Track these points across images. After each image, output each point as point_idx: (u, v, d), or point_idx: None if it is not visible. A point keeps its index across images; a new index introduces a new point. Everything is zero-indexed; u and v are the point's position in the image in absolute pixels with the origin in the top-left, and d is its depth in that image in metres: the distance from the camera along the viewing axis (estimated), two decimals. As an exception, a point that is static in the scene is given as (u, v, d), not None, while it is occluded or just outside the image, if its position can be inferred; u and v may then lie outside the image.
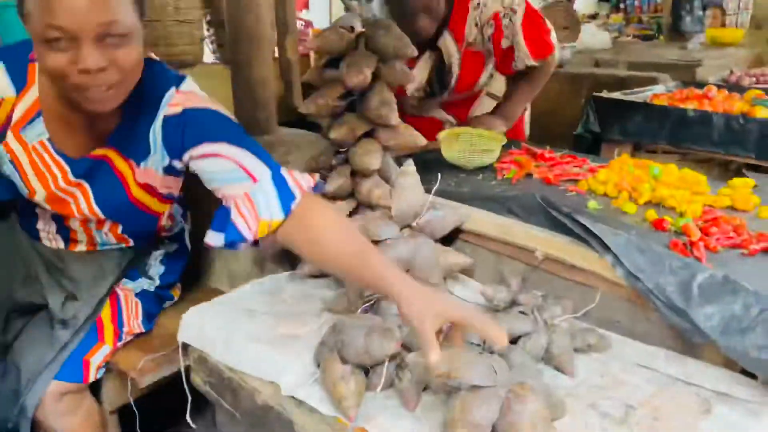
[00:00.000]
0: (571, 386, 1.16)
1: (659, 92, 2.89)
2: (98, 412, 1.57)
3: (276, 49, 3.04)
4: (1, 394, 1.44)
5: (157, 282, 1.70)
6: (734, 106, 2.51)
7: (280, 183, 1.23)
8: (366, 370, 1.15)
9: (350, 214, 1.53)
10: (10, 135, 1.32)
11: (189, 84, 1.34)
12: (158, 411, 1.68)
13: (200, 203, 1.83)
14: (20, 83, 1.29)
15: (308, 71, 1.60)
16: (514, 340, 1.24)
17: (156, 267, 1.70)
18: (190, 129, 1.29)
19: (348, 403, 1.06)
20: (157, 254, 1.71)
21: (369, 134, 1.54)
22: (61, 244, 1.55)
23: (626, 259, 1.22)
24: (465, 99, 2.37)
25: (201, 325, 1.39)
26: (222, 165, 1.25)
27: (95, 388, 1.58)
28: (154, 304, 1.69)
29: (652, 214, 1.56)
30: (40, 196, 1.38)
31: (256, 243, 1.26)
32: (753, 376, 1.11)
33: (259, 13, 1.58)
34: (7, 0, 2.30)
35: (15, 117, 1.30)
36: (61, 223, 1.50)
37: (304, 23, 4.78)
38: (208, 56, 4.15)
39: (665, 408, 1.09)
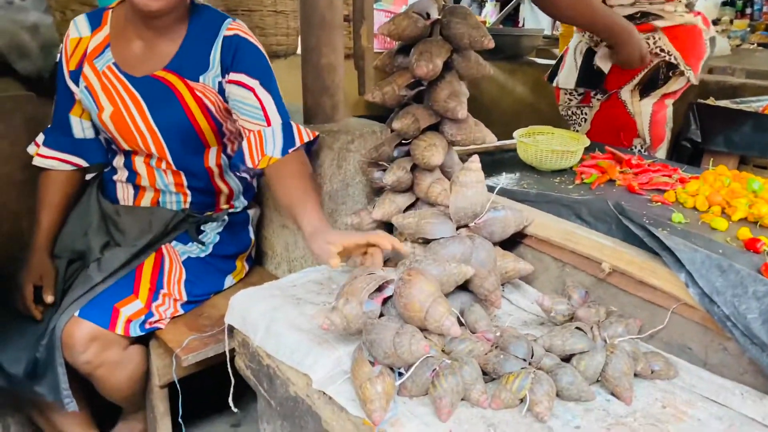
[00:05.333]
0: (625, 414, 1.04)
1: (775, 102, 2.62)
2: (138, 378, 1.60)
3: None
4: (37, 330, 1.51)
5: (210, 250, 1.73)
6: None
7: (287, 131, 1.55)
8: (401, 373, 1.09)
9: (408, 208, 1.47)
10: (86, 66, 1.61)
11: (239, 21, 1.61)
12: (209, 390, 1.70)
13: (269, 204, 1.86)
14: (95, 24, 1.61)
15: (380, 57, 1.55)
16: (566, 359, 1.14)
17: (211, 236, 1.75)
18: (239, 54, 1.55)
19: (374, 406, 1.00)
20: (215, 225, 1.76)
21: (435, 127, 1.47)
22: (131, 194, 1.71)
23: (702, 279, 1.08)
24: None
25: (247, 309, 1.37)
26: (249, 99, 1.54)
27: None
28: (203, 273, 1.70)
29: (745, 232, 1.39)
30: (107, 113, 1.59)
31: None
32: None
33: (333, -3, 1.55)
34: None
35: (90, 48, 1.61)
36: (130, 166, 1.68)
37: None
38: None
39: (733, 452, 0.95)
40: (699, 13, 2.21)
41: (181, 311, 1.63)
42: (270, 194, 1.83)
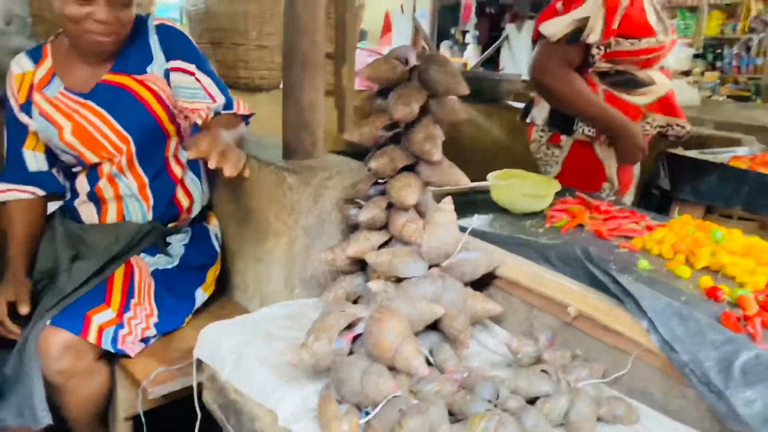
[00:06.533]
0: (587, 459, 1.06)
1: (741, 154, 2.71)
2: (101, 396, 1.60)
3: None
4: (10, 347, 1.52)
5: (177, 262, 1.77)
6: (823, 175, 2.31)
7: (228, 107, 1.72)
8: (368, 413, 1.09)
9: (382, 246, 1.49)
10: (36, 95, 1.68)
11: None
12: (173, 423, 1.68)
13: (229, 224, 1.89)
14: (36, 58, 1.71)
15: (360, 98, 1.59)
16: (531, 401, 1.16)
17: (177, 247, 1.80)
18: (172, 41, 1.70)
19: (339, 444, 1.01)
20: (180, 237, 1.82)
21: (411, 168, 1.51)
22: (94, 212, 1.75)
23: (662, 326, 1.11)
24: None
25: (217, 343, 1.37)
26: (191, 83, 1.68)
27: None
28: (172, 283, 1.72)
29: (707, 280, 1.43)
30: (67, 130, 1.65)
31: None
32: (799, 477, 0.98)
33: (315, 38, 1.59)
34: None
35: (36, 80, 1.69)
36: (94, 182, 1.70)
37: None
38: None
39: (690, 498, 0.97)
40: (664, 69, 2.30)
41: (153, 330, 1.63)
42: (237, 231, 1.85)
